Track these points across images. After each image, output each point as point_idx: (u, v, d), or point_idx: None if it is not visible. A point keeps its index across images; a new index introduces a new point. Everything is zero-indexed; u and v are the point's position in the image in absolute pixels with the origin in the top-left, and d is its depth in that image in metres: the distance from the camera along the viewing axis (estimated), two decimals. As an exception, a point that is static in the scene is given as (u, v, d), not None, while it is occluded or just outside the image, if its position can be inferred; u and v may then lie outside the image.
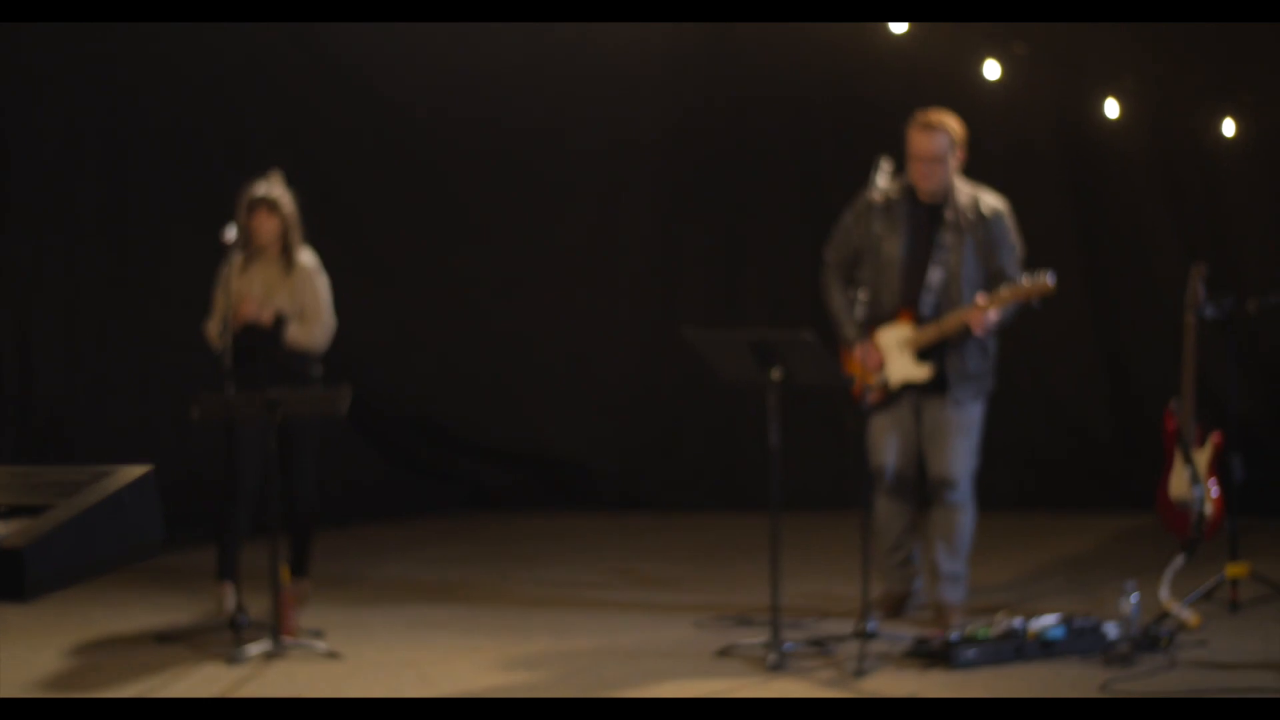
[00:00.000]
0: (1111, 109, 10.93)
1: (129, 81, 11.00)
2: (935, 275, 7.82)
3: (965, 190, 7.92)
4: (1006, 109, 10.89)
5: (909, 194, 7.94)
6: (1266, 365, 10.94)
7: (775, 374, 7.18)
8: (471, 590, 9.17)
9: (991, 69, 10.83)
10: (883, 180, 7.62)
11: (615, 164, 12.16)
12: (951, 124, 7.85)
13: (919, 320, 7.82)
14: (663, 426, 12.22)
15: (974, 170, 8.02)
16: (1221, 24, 10.70)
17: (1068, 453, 11.64)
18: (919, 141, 7.84)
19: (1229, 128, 10.82)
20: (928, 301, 7.83)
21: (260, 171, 8.32)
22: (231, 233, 7.96)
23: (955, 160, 7.87)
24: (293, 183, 8.28)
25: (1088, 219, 11.56)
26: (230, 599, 8.00)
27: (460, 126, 11.88)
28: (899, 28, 10.59)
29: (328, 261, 8.44)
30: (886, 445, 7.98)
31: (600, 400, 12.19)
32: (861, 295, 7.49)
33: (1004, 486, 10.47)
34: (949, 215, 7.85)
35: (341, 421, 8.33)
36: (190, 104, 11.19)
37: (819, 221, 10.58)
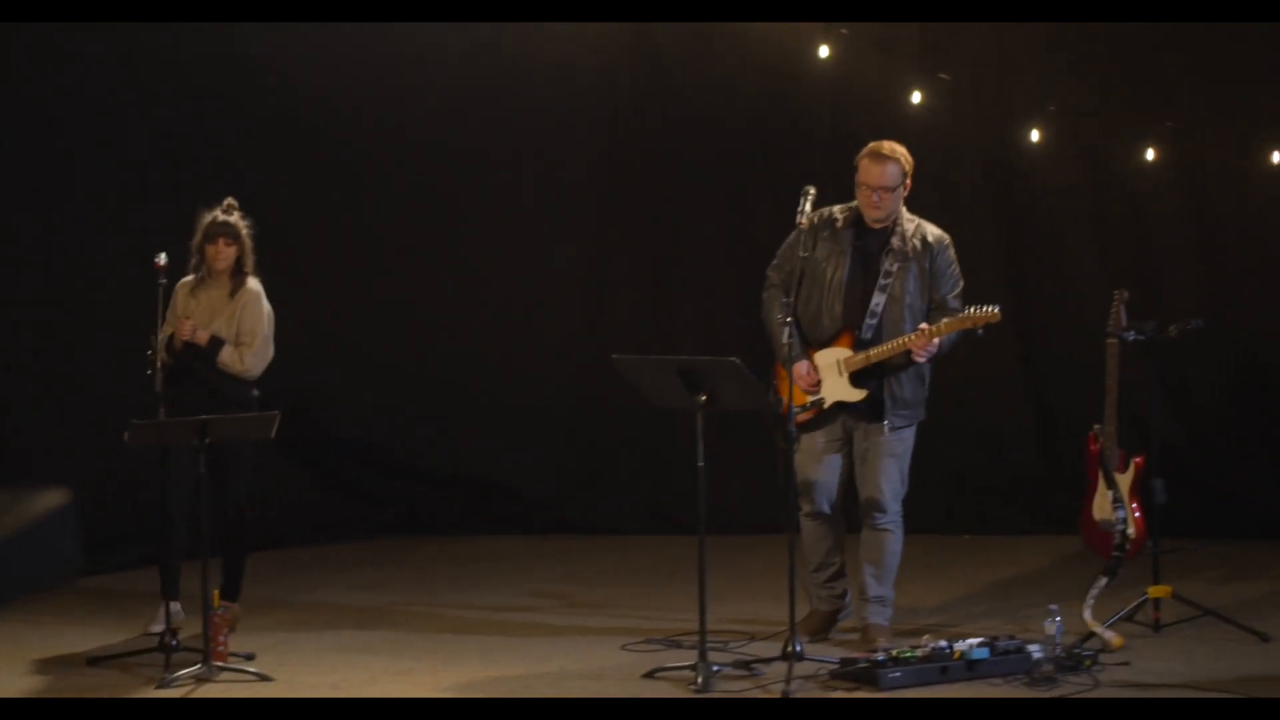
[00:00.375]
0: (1035, 137, 11.06)
1: (59, 106, 10.94)
2: (878, 301, 7.88)
3: (910, 220, 7.99)
4: (931, 135, 10.96)
5: (855, 220, 8.01)
6: (1187, 389, 11.06)
7: (702, 399, 7.26)
8: (402, 614, 9.17)
9: (916, 97, 10.95)
10: (809, 207, 7.69)
11: (544, 190, 12.17)
12: (904, 154, 7.93)
13: (859, 344, 7.88)
14: (593, 450, 12.22)
15: (898, 197, 8.09)
16: (1143, 53, 10.88)
17: (993, 476, 11.69)
18: (871, 170, 7.90)
19: (1150, 155, 10.96)
20: (869, 326, 7.89)
21: (194, 198, 8.49)
22: (163, 258, 8.14)
23: (904, 190, 7.95)
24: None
25: (1011, 245, 11.64)
26: (163, 617, 8.04)
27: (392, 151, 11.88)
28: (824, 51, 10.69)
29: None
30: (815, 465, 8.02)
31: (531, 424, 12.18)
32: (788, 318, 7.55)
33: (931, 510, 10.51)
34: (895, 242, 7.91)
35: (272, 444, 8.37)
36: (122, 128, 11.14)
37: (746, 247, 10.66)
